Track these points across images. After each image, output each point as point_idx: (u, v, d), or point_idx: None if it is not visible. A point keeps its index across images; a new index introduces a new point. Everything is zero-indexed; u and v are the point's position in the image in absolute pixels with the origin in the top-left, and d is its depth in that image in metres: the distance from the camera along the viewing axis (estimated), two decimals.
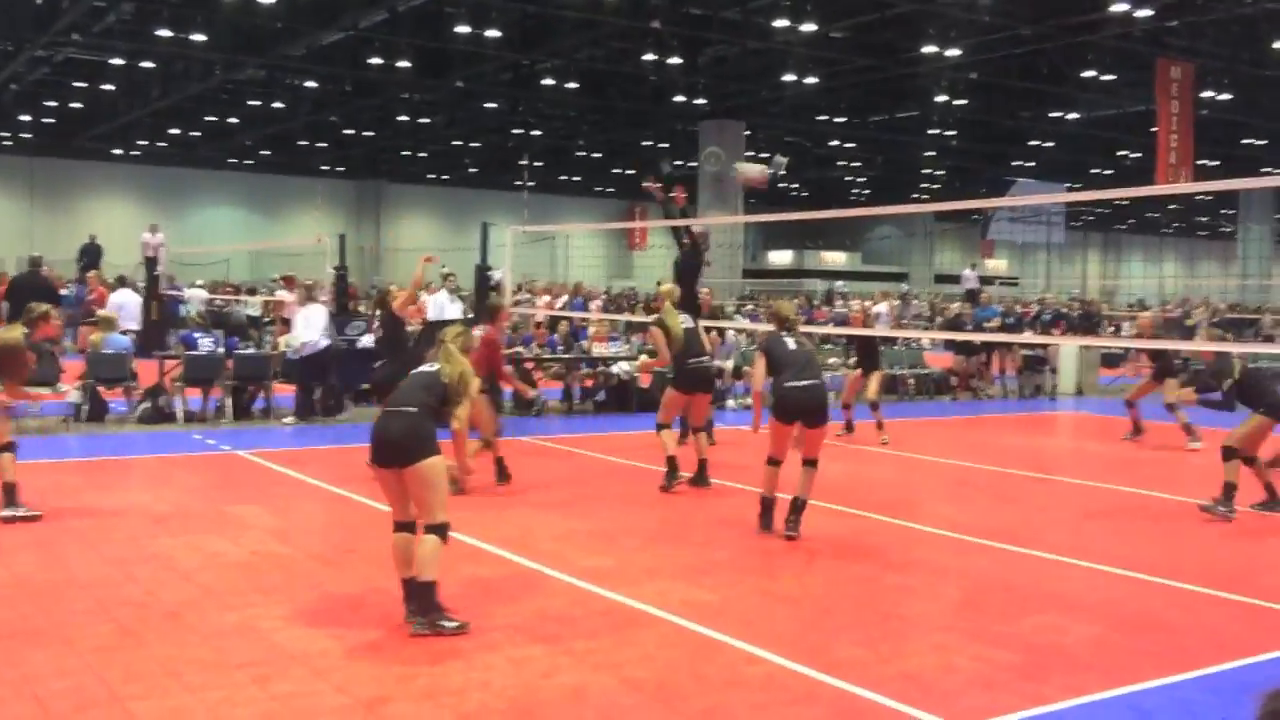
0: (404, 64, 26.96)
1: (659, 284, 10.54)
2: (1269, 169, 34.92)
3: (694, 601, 6.10)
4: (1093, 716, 4.64)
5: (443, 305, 15.18)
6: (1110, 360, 20.88)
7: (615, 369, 15.30)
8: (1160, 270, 50.98)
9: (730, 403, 16.10)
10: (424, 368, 5.88)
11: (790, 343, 7.97)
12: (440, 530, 5.41)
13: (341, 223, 45.64)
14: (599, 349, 14.98)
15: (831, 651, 5.34)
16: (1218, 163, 34.10)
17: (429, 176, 49.66)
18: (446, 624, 5.37)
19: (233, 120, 36.22)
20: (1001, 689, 4.91)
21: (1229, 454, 8.85)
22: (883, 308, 25.44)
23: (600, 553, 7.20)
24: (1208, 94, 27.24)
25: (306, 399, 13.27)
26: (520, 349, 14.89)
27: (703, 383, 9.72)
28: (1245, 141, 34.24)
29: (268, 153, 43.27)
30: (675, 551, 7.36)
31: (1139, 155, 34.94)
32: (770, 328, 8.49)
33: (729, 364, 16.15)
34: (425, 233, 47.90)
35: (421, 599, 5.38)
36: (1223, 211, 49.61)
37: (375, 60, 26.56)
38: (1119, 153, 37.43)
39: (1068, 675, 5.10)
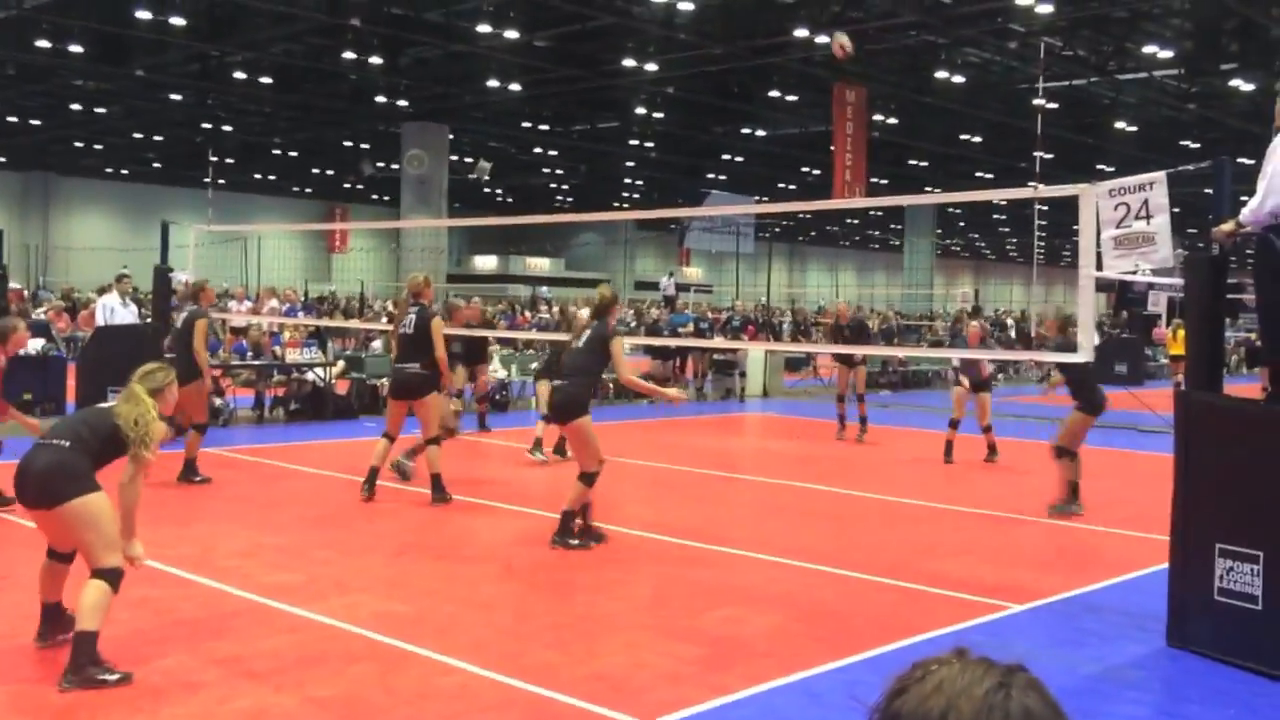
0: (76, 48, 24.95)
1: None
2: (930, 188, 38.23)
3: (386, 614, 5.97)
4: (770, 702, 4.89)
5: (113, 309, 13.89)
6: (793, 364, 22.22)
7: (310, 375, 14.77)
8: (836, 279, 54.72)
9: None
10: (100, 404, 5.33)
11: (583, 339, 7.97)
12: (110, 576, 4.80)
13: (3, 218, 41.63)
14: (292, 355, 14.39)
15: (526, 656, 5.36)
16: (886, 181, 36.99)
17: (107, 171, 46.18)
18: (106, 677, 4.72)
19: None
20: (687, 682, 5.09)
21: (1061, 453, 9.32)
22: (585, 313, 25.90)
23: (287, 569, 6.91)
24: (879, 117, 29.47)
25: None
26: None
27: (399, 388, 9.44)
28: (911, 162, 37.32)
29: None
30: (368, 564, 7.17)
31: (819, 172, 37.36)
32: None
33: None
34: (103, 231, 44.52)
35: (77, 652, 4.71)
36: (892, 226, 53.92)
37: (43, 43, 24.41)
38: (802, 169, 39.87)
39: (748, 665, 5.36)
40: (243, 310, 24.54)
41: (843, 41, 11.11)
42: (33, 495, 4.87)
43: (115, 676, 4.75)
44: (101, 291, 15.49)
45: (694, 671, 5.25)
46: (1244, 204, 5.61)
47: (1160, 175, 6.09)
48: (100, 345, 12.37)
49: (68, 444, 4.91)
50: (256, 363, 14.47)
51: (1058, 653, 5.77)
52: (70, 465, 4.84)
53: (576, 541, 7.72)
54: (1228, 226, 5.83)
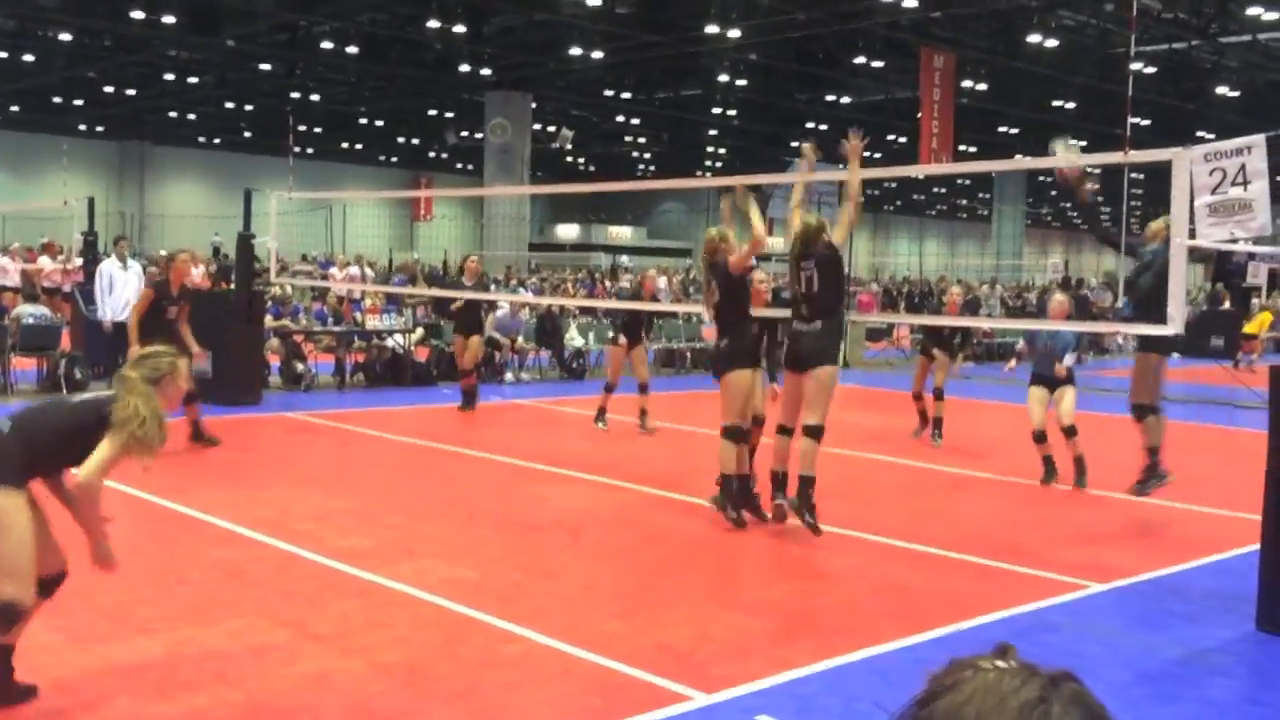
0: (169, 19, 25.43)
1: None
2: (1020, 155, 37.26)
3: (453, 580, 5.98)
4: (837, 678, 4.79)
5: (111, 275, 12.99)
6: (874, 334, 21.90)
7: (389, 342, 14.93)
8: (922, 249, 53.81)
9: (509, 375, 16.00)
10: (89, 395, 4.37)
11: (810, 272, 7.30)
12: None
13: (102, 186, 42.70)
14: (373, 322, 14.55)
15: (590, 625, 5.33)
16: (975, 149, 36.12)
17: (199, 140, 47.18)
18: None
19: None
20: (753, 655, 5.01)
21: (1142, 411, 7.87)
22: (663, 282, 25.80)
23: (359, 532, 6.97)
24: (967, 83, 28.76)
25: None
26: (288, 321, 14.32)
27: None
28: (1001, 129, 36.40)
29: (16, 109, 40.12)
30: (438, 529, 7.21)
31: (905, 140, 36.61)
32: None
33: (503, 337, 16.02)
34: (195, 198, 45.52)
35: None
36: (980, 195, 52.76)
37: (138, 14, 24.92)
38: (888, 137, 39.12)
39: (816, 639, 5.27)
40: (338, 276, 24.87)
41: (1071, 160, 8.47)
42: None
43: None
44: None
45: (760, 645, 5.17)
46: None
47: (1259, 139, 5.79)
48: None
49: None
50: (337, 329, 14.67)
51: (1140, 635, 5.58)
52: None
53: (812, 519, 7.03)
54: None
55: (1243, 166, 5.83)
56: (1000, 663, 1.13)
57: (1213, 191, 5.94)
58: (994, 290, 26.21)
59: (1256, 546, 5.82)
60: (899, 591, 6.14)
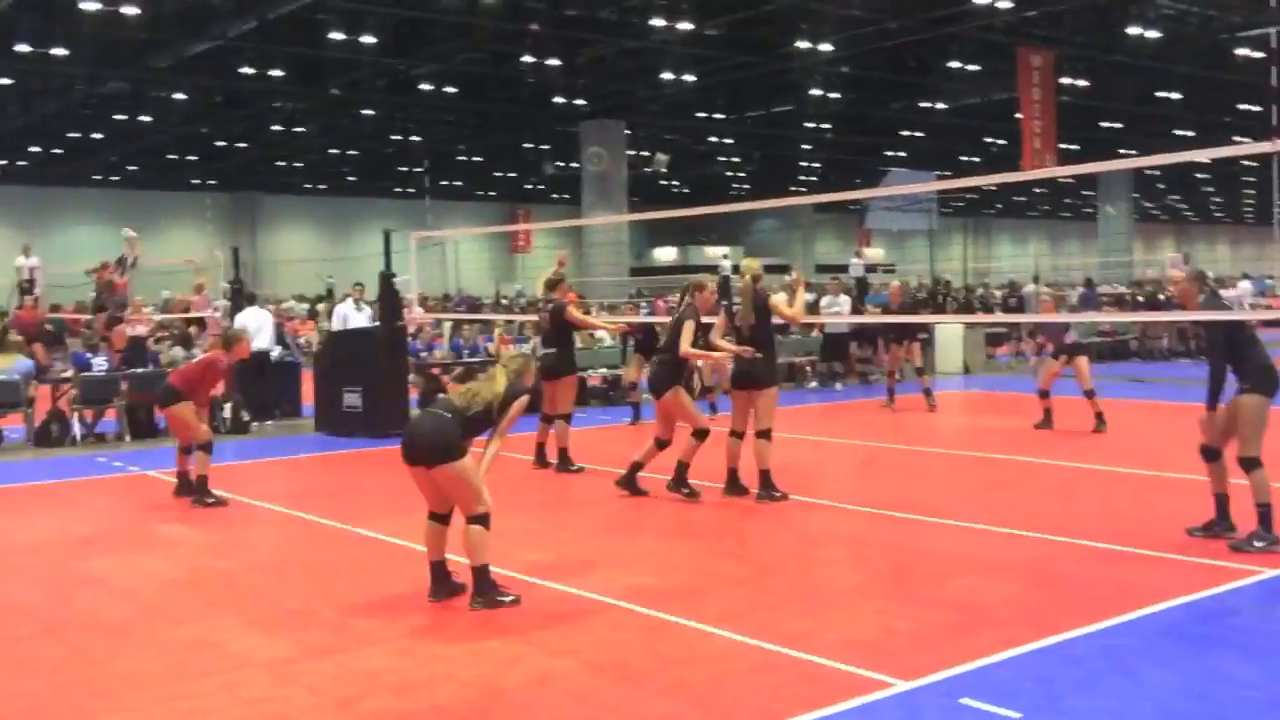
0: (276, 73, 26.51)
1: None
2: (1125, 151, 36.62)
3: (638, 587, 6.27)
4: (1029, 664, 4.95)
5: (347, 316, 14.93)
6: (994, 339, 21.79)
7: None
8: (1027, 250, 52.97)
9: None
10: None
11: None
12: (482, 520, 5.87)
13: (217, 236, 44.48)
14: (506, 352, 15.02)
15: (777, 624, 5.56)
16: (1078, 146, 35.62)
17: (306, 186, 48.81)
18: (503, 599, 5.86)
19: (97, 136, 35.09)
20: (940, 646, 5.19)
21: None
22: (781, 297, 25.96)
23: (538, 548, 7.31)
24: (1067, 81, 28.45)
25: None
26: (424, 354, 14.86)
27: (544, 371, 10.10)
28: (1104, 125, 35.85)
29: (135, 168, 42.01)
30: (609, 542, 7.52)
31: (1004, 142, 36.27)
32: None
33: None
34: (305, 244, 47.09)
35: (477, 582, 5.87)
36: (1084, 193, 51.81)
37: (247, 70, 26.05)
38: (986, 140, 38.78)
39: (999, 630, 5.42)
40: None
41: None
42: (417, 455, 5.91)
43: (510, 598, 5.88)
44: (311, 299, 16.29)
45: (944, 636, 5.34)
46: None
47: None
48: (335, 349, 13.22)
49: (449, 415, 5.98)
50: (474, 360, 15.16)
51: None
52: (448, 432, 5.87)
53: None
54: None
55: None
56: None
57: None
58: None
59: None
60: (1071, 584, 6.25)
